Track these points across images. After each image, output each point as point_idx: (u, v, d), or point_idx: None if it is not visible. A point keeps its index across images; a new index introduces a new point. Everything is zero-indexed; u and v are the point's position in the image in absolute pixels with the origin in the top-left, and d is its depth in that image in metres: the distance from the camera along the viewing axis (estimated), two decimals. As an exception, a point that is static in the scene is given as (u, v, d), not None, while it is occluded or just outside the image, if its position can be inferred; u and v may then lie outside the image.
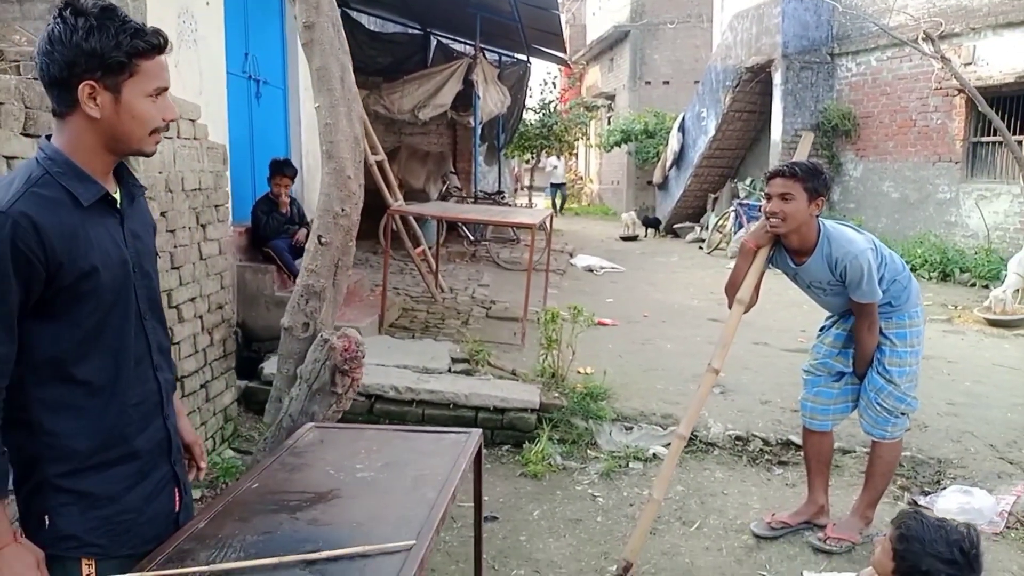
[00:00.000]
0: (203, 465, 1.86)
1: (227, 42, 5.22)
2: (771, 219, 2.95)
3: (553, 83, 19.22)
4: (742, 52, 13.28)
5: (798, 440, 4.21)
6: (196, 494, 1.82)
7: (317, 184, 7.01)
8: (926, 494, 3.68)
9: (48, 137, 1.47)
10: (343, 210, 2.66)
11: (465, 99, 10.29)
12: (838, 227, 3.04)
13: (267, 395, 4.36)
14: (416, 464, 2.05)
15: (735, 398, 4.86)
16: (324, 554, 1.54)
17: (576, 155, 26.28)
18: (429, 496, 1.84)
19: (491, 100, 10.44)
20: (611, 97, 23.01)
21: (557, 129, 18.43)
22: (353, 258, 2.86)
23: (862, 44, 11.96)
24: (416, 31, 11.71)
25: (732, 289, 3.12)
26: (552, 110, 18.79)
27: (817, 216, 2.99)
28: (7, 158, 2.36)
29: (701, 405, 2.98)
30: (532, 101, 16.91)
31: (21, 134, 2.44)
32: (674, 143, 15.56)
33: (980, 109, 9.29)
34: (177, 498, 1.68)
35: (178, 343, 3.53)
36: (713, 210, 14.93)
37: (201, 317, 3.81)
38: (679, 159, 15.61)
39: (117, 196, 1.53)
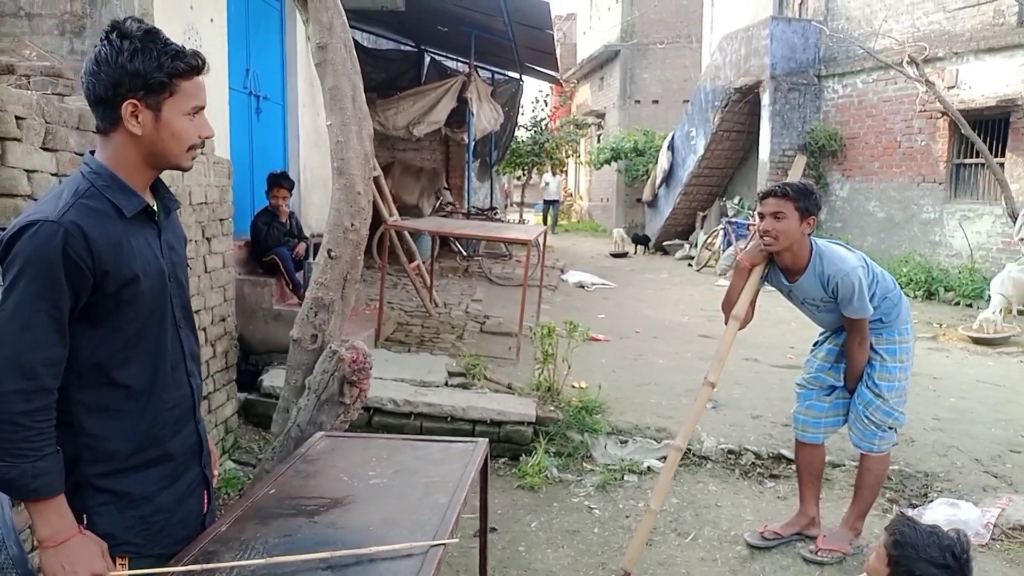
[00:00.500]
0: (216, 472, 1.92)
1: (229, 58, 5.30)
2: (764, 238, 3.04)
3: (545, 101, 19.43)
4: (731, 73, 13.51)
5: (789, 454, 4.30)
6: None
7: (315, 199, 7.14)
8: (914, 507, 3.77)
9: (92, 152, 1.55)
10: (353, 225, 2.73)
11: (459, 116, 10.41)
12: (830, 245, 3.13)
13: (266, 407, 4.43)
14: (426, 471, 2.11)
15: (727, 413, 4.95)
16: (344, 552, 1.60)
17: (566, 172, 26.49)
18: (441, 501, 1.90)
19: (485, 117, 10.56)
20: (601, 115, 23.25)
21: (548, 146, 18.60)
22: (360, 272, 2.93)
23: (848, 67, 12.21)
24: (410, 48, 11.85)
25: (728, 306, 3.20)
26: (543, 127, 18.97)
27: (809, 235, 3.08)
28: (28, 171, 2.42)
29: (697, 418, 3.06)
30: (524, 118, 17.09)
31: (41, 148, 2.50)
32: (663, 162, 15.75)
33: (963, 132, 9.51)
34: (205, 500, 1.75)
35: None
36: (702, 228, 15.11)
37: (205, 329, 3.86)
38: (668, 177, 15.79)
39: (155, 208, 1.62)
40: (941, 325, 8.19)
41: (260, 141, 6.20)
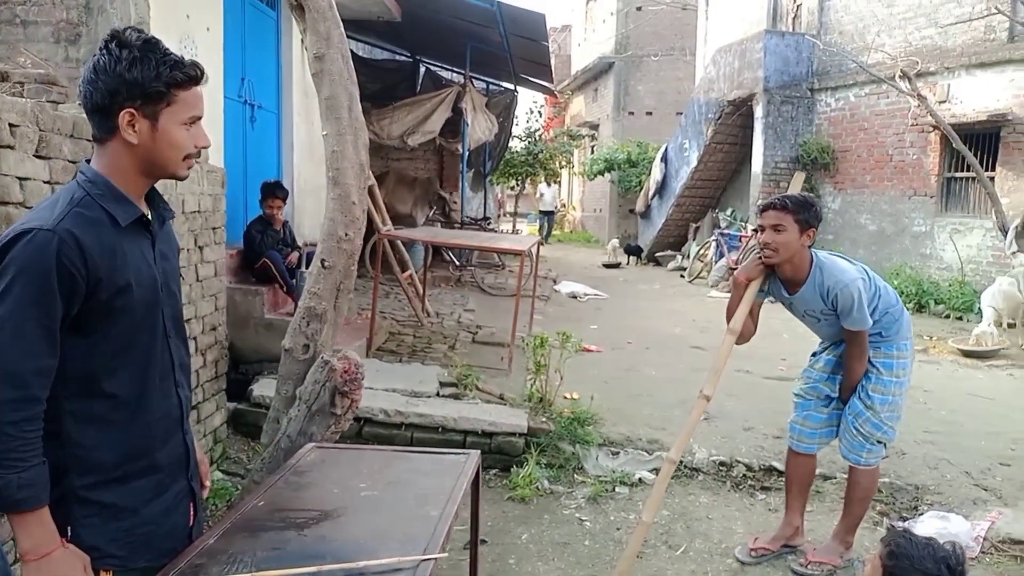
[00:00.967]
0: (207, 484, 1.90)
1: (225, 67, 5.31)
2: (764, 250, 3.06)
3: (539, 112, 19.48)
4: (724, 86, 13.59)
5: (780, 466, 4.29)
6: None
7: (308, 207, 7.13)
8: (904, 519, 3.77)
9: (88, 161, 1.55)
10: (347, 235, 2.73)
11: (453, 126, 10.43)
12: (830, 257, 3.15)
13: (256, 417, 4.41)
14: (417, 484, 2.11)
15: (719, 424, 4.95)
16: (333, 567, 1.59)
17: (560, 183, 26.57)
18: (432, 514, 1.90)
19: (479, 128, 10.59)
20: (595, 126, 23.34)
21: (542, 157, 18.66)
22: (354, 282, 2.93)
23: (841, 80, 12.30)
24: (405, 58, 11.88)
25: (730, 319, 3.22)
26: (537, 138, 19.03)
27: (809, 247, 3.10)
28: (20, 179, 2.42)
29: (692, 431, 3.06)
30: (518, 129, 17.13)
31: (34, 156, 2.49)
32: (657, 173, 15.81)
33: (954, 146, 9.59)
34: (192, 512, 1.73)
35: None
36: (694, 239, 15.16)
37: (195, 338, 3.84)
38: (661, 189, 15.85)
39: (150, 218, 1.61)
40: (931, 338, 8.23)
41: (254, 150, 6.20)
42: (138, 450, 1.57)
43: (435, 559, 1.64)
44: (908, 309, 8.91)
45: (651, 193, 16.15)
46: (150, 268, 1.58)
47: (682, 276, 13.86)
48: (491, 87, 12.66)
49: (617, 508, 3.90)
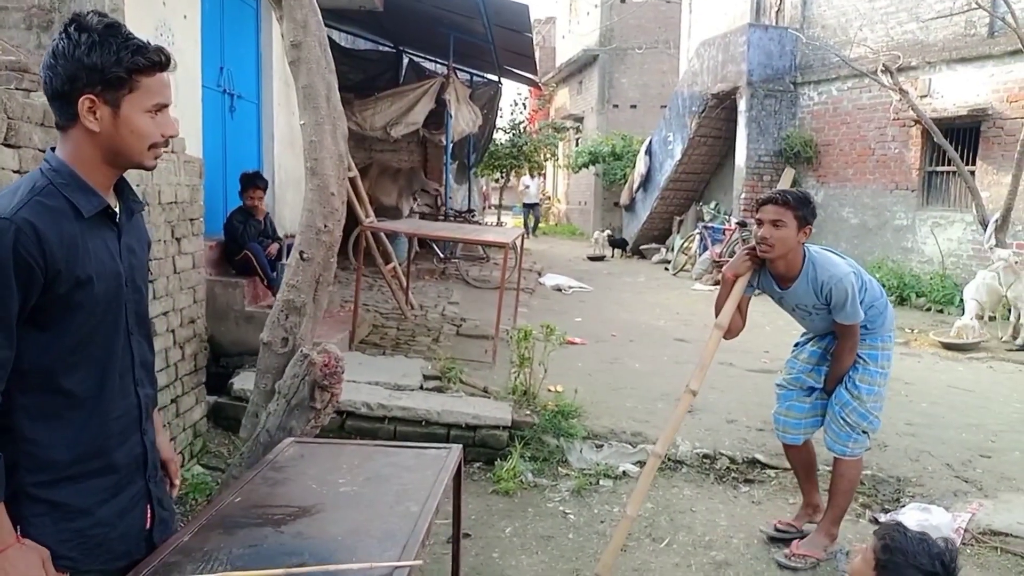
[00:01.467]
0: (177, 483, 1.85)
1: (203, 56, 5.22)
2: (761, 244, 3.05)
3: (523, 104, 19.40)
4: (708, 79, 13.60)
5: (764, 459, 4.32)
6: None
7: (289, 198, 7.05)
8: (886, 511, 3.79)
9: (53, 149, 1.49)
10: (326, 226, 2.68)
11: (437, 117, 10.36)
12: (822, 252, 3.18)
13: (236, 411, 4.35)
14: (398, 479, 2.07)
15: (702, 417, 4.95)
16: (310, 569, 1.56)
17: (544, 175, 26.54)
18: (413, 510, 1.86)
19: (463, 119, 10.52)
20: (579, 119, 23.32)
21: (527, 149, 18.61)
22: (333, 274, 2.88)
23: (824, 74, 12.35)
24: (388, 49, 11.78)
25: (718, 314, 3.23)
26: (522, 130, 18.97)
27: (803, 243, 3.11)
28: (-13, 168, 2.35)
29: (678, 425, 3.04)
30: (502, 121, 17.06)
31: (3, 144, 2.42)
32: (641, 166, 15.82)
33: (935, 140, 9.65)
34: (149, 515, 1.66)
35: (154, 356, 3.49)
36: (679, 232, 15.20)
37: (173, 331, 3.78)
38: (646, 182, 15.87)
39: (117, 210, 1.55)
40: (913, 331, 8.29)
41: (234, 140, 6.12)
42: (93, 449, 1.51)
43: (410, 566, 1.59)
44: (890, 302, 8.99)
45: (635, 186, 16.17)
46: (114, 262, 1.52)
47: (666, 269, 13.89)
48: (475, 78, 12.59)
49: (601, 501, 3.89)
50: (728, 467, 4.29)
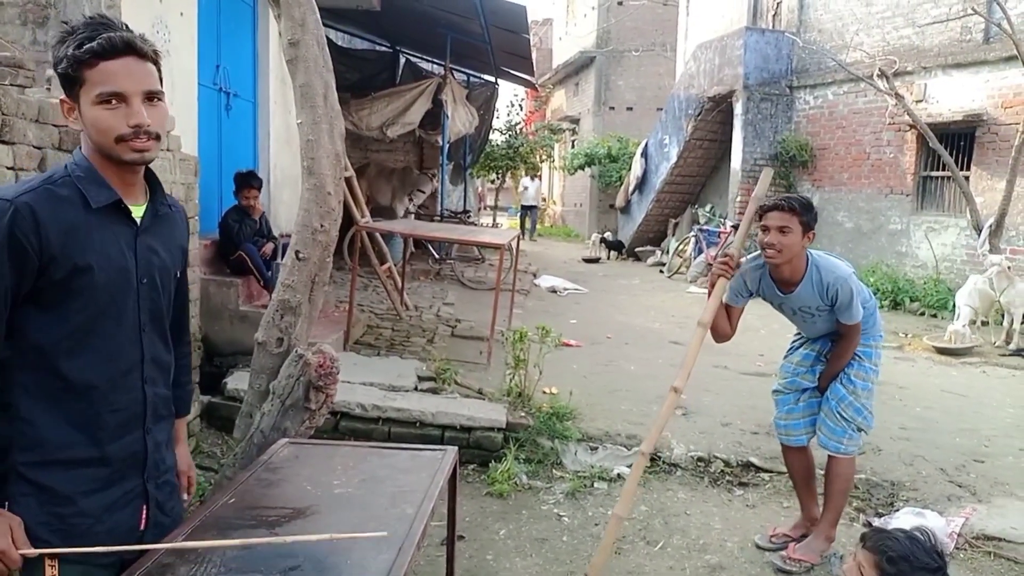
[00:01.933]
0: (186, 497, 1.87)
1: (199, 54, 5.20)
2: (767, 250, 3.09)
3: (520, 105, 19.39)
4: (704, 82, 13.62)
5: (758, 462, 4.32)
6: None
7: (284, 197, 7.03)
8: (880, 515, 3.79)
9: (80, 148, 1.56)
10: (322, 226, 2.67)
11: (433, 118, 10.34)
12: (823, 256, 3.23)
13: (229, 411, 4.33)
14: (393, 481, 2.06)
15: (697, 420, 4.95)
16: (264, 540, 1.55)
17: (540, 177, 26.57)
18: (408, 512, 1.85)
19: (460, 120, 10.51)
20: (576, 121, 23.33)
21: (523, 150, 18.61)
22: (329, 274, 2.86)
23: (820, 78, 12.38)
24: (385, 48, 11.76)
25: (714, 331, 3.26)
26: (518, 132, 18.97)
27: (806, 248, 3.14)
28: (-19, 164, 2.33)
29: (663, 424, 3.04)
30: (499, 122, 17.05)
31: (-4, 140, 2.40)
32: (637, 168, 15.83)
33: (930, 145, 9.68)
34: (144, 516, 1.64)
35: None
36: (674, 235, 15.21)
37: (167, 330, 3.75)
38: (641, 184, 15.88)
39: (140, 208, 1.57)
40: (907, 335, 8.31)
41: (229, 139, 6.09)
42: (85, 438, 1.52)
43: (408, 560, 1.58)
44: (884, 306, 8.99)
45: (631, 188, 16.18)
46: (123, 256, 1.53)
47: (661, 271, 13.90)
48: (472, 79, 12.58)
49: (595, 504, 3.88)
50: (722, 470, 4.29)
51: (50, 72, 3.36)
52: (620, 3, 20.84)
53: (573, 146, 22.46)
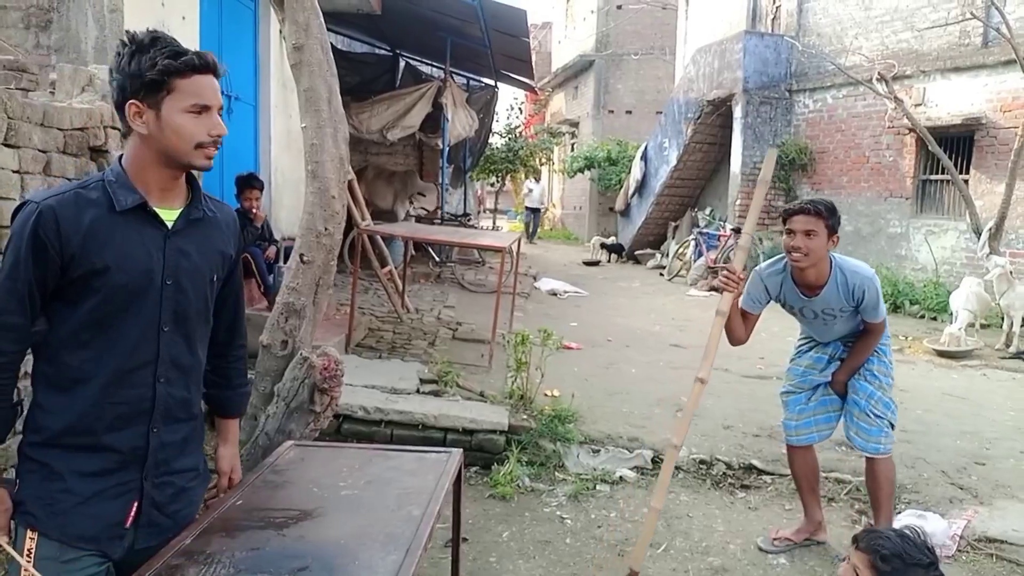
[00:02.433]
0: (221, 495, 1.92)
1: (201, 57, 5.20)
2: (793, 254, 3.09)
3: (519, 108, 19.43)
4: (704, 85, 13.65)
5: (760, 464, 4.33)
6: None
7: (285, 201, 7.04)
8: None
9: (120, 157, 1.65)
10: (326, 229, 2.68)
11: (433, 121, 10.36)
12: (845, 258, 3.24)
13: (232, 413, 4.34)
14: (399, 482, 2.07)
15: (698, 423, 4.95)
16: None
17: (539, 180, 26.60)
18: (415, 514, 1.86)
19: (460, 123, 10.53)
20: (575, 124, 23.36)
21: (523, 154, 18.63)
22: (333, 277, 2.87)
23: (819, 82, 12.41)
24: (385, 52, 11.78)
25: (730, 334, 3.27)
26: (518, 135, 19.00)
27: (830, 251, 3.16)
28: (-12, 168, 2.34)
29: (691, 414, 3.04)
30: (498, 125, 17.09)
31: (3, 144, 2.41)
32: (636, 171, 15.86)
33: (930, 148, 9.71)
34: (132, 511, 1.66)
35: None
36: (674, 238, 15.23)
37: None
38: (641, 187, 15.90)
39: (174, 212, 1.64)
40: (907, 338, 8.32)
41: (231, 142, 6.08)
42: (82, 426, 1.59)
43: (416, 561, 1.58)
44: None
45: (631, 191, 16.20)
46: (148, 257, 1.60)
47: (661, 274, 13.92)
48: (471, 83, 12.60)
49: (598, 506, 3.89)
50: (724, 473, 4.30)
51: (54, 76, 3.38)
52: (619, 7, 20.89)
53: (572, 149, 22.48)
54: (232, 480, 1.97)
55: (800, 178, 12.89)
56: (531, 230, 20.13)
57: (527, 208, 20.72)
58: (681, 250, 13.73)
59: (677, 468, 4.31)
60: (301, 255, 2.74)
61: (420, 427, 4.35)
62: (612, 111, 21.16)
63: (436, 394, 4.80)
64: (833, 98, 12.22)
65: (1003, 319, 7.96)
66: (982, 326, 8.39)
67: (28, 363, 1.62)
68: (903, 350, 7.77)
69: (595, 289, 11.47)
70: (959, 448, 4.74)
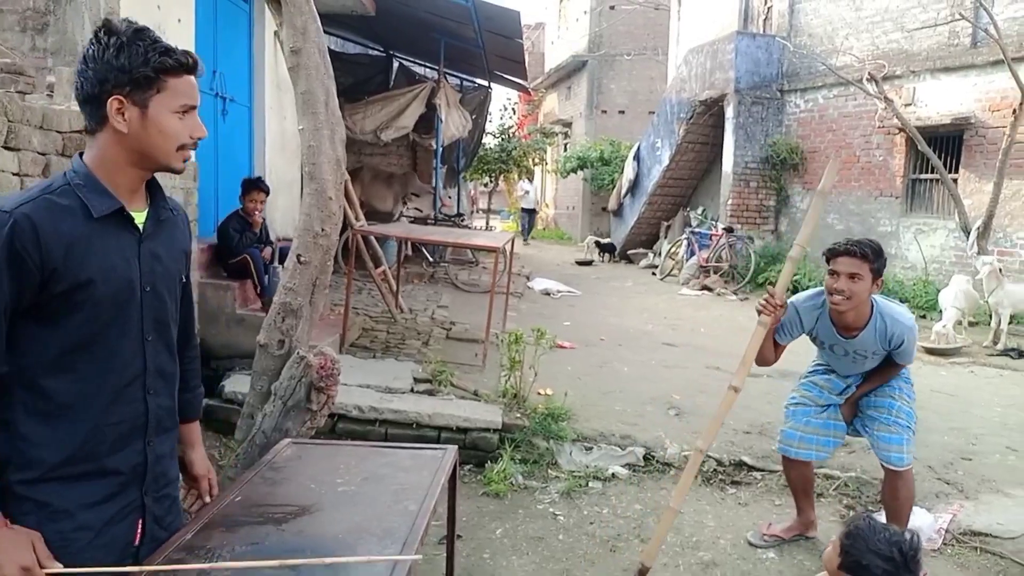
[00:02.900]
0: (207, 500, 1.86)
1: (196, 59, 5.23)
2: (835, 296, 3.02)
3: (512, 109, 19.48)
4: (696, 86, 13.72)
5: (751, 461, 4.39)
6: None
7: (280, 202, 7.06)
8: (870, 512, 3.85)
9: (81, 154, 1.52)
10: (323, 230, 2.72)
11: (426, 121, 10.40)
12: (887, 303, 3.18)
13: (227, 413, 4.37)
14: (395, 479, 2.11)
15: (690, 420, 5.01)
16: (305, 561, 1.58)
17: (532, 180, 26.65)
18: (411, 509, 1.90)
19: (453, 124, 10.56)
20: (568, 124, 23.42)
21: (516, 154, 18.68)
22: (329, 277, 2.91)
23: (810, 82, 12.49)
24: (379, 53, 11.81)
25: (760, 359, 3.25)
26: (511, 135, 19.04)
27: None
28: (-12, 171, 2.37)
29: (721, 421, 3.04)
30: (492, 126, 17.13)
31: (2, 147, 2.44)
32: (629, 171, 15.92)
33: (919, 148, 9.80)
34: (139, 530, 1.61)
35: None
36: (666, 237, 15.30)
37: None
38: (634, 187, 15.96)
39: (142, 215, 1.56)
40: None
41: (226, 144, 6.13)
42: (84, 453, 1.49)
43: (410, 560, 1.61)
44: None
45: (623, 191, 16.26)
46: (127, 266, 1.52)
47: (654, 274, 13.99)
48: (465, 83, 12.64)
49: (590, 503, 3.94)
50: (715, 469, 4.35)
51: (51, 79, 3.41)
52: (612, 7, 20.95)
53: (566, 149, 22.54)
54: (211, 482, 1.89)
55: (791, 177, 12.98)
56: (527, 230, 20.16)
57: (522, 209, 20.72)
58: (673, 249, 13.80)
59: (668, 465, 4.37)
60: (298, 256, 2.78)
61: (414, 426, 4.39)
62: (605, 111, 21.23)
63: (430, 393, 4.84)
64: (824, 98, 12.30)
65: (991, 316, 8.05)
66: (971, 324, 8.48)
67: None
68: (893, 348, 7.84)
69: (588, 288, 11.53)
70: (946, 444, 4.81)
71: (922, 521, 3.58)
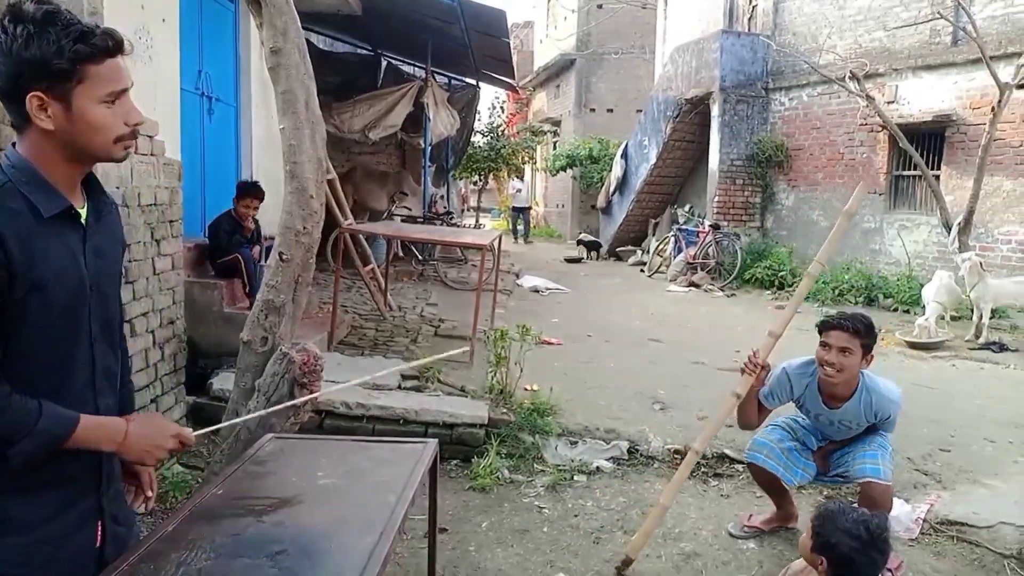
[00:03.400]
0: (150, 494, 1.75)
1: (182, 59, 5.25)
2: (826, 368, 3.07)
3: (501, 107, 19.51)
4: (682, 84, 13.80)
5: (732, 454, 4.44)
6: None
7: (267, 201, 7.06)
8: (850, 502, 3.92)
9: (14, 144, 1.40)
10: (304, 228, 2.75)
11: (415, 120, 10.42)
12: (875, 379, 3.21)
13: (215, 411, 4.39)
14: (376, 472, 2.15)
15: (674, 414, 5.07)
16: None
17: (522, 178, 26.70)
18: (390, 500, 1.94)
19: (441, 123, 10.59)
20: (557, 123, 23.48)
21: (505, 152, 18.71)
22: (312, 274, 2.95)
23: (794, 80, 12.59)
24: (367, 52, 11.82)
25: (744, 421, 3.38)
26: (500, 134, 19.07)
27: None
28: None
29: (720, 425, 3.12)
30: (480, 124, 17.16)
31: (-14, 148, 2.46)
32: (617, 169, 16.00)
33: (901, 145, 9.90)
34: (100, 532, 1.56)
35: (130, 357, 3.54)
36: (654, 235, 15.39)
37: (153, 332, 3.82)
38: (622, 185, 16.04)
39: (83, 211, 1.46)
40: (880, 330, 8.45)
41: (212, 143, 6.14)
42: (46, 460, 1.40)
43: (390, 541, 1.65)
44: (858, 303, 9.04)
45: (612, 189, 16.34)
46: (76, 266, 1.41)
47: (642, 271, 14.06)
48: (453, 82, 12.66)
49: (575, 496, 3.98)
50: (698, 462, 4.39)
51: None
52: (600, 6, 21.02)
53: (555, 147, 22.59)
54: (150, 475, 1.75)
55: (776, 175, 13.08)
56: (522, 230, 20.01)
57: (513, 208, 20.65)
58: (661, 247, 13.88)
59: (651, 458, 4.43)
60: (280, 253, 2.81)
61: (401, 422, 4.43)
62: (593, 109, 21.31)
63: (417, 390, 4.88)
64: (808, 96, 12.40)
65: (973, 311, 8.15)
66: (952, 318, 8.58)
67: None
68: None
69: (576, 286, 11.59)
70: (925, 436, 4.88)
71: (900, 511, 3.65)
